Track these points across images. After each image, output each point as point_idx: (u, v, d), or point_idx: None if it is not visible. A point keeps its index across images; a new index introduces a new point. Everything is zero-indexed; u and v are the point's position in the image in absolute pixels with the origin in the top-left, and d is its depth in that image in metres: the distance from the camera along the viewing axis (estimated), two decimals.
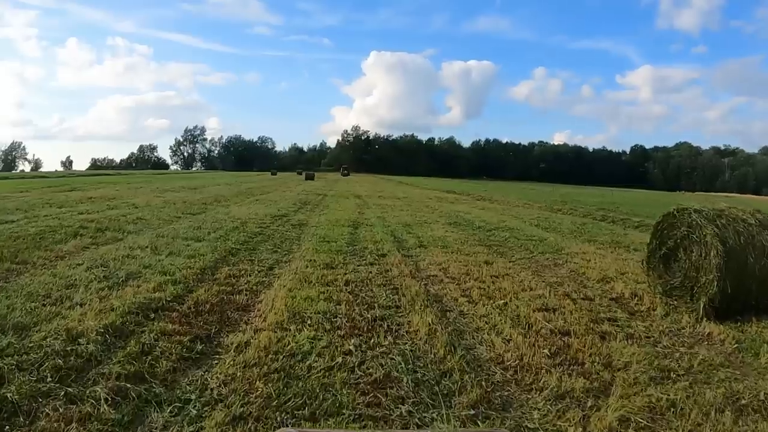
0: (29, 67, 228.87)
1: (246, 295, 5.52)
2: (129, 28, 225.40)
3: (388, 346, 4.06)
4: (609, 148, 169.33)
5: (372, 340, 4.16)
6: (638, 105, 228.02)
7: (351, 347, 3.96)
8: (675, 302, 5.66)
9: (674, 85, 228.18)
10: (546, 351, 4.10)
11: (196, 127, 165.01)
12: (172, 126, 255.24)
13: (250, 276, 6.40)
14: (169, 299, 5.07)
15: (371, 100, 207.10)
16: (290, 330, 4.27)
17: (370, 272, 6.78)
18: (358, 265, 7.23)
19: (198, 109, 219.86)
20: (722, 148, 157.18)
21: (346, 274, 6.57)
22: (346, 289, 5.78)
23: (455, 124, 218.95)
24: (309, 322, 4.52)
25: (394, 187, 42.48)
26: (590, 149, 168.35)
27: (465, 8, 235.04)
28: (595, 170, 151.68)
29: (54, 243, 7.91)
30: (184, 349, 3.84)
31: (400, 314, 4.97)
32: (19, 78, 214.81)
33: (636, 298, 6.03)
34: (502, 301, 5.54)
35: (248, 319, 4.68)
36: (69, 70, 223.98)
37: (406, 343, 4.16)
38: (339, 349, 3.93)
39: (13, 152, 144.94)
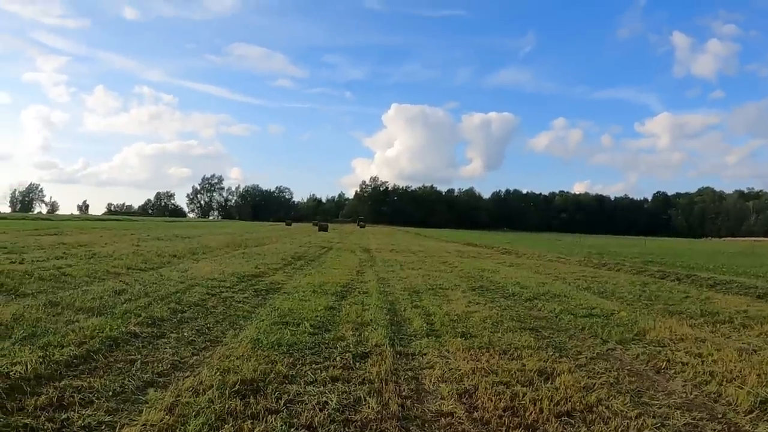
0: (57, 111, 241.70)
1: None
2: (156, 78, 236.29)
3: None
4: (631, 196, 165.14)
5: None
6: (657, 152, 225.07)
7: None
8: None
9: (693, 131, 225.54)
10: None
11: (213, 175, 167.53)
12: (194, 175, 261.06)
13: (86, 407, 3.25)
14: None
15: (392, 152, 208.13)
16: None
17: (326, 407, 3.50)
18: (309, 384, 3.95)
19: (220, 159, 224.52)
20: (746, 191, 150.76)
21: (269, 414, 3.31)
22: None
23: (476, 175, 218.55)
24: None
25: (410, 240, 39.32)
26: (612, 198, 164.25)
27: (489, 61, 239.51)
28: (617, 219, 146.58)
29: None
30: None
31: None
32: (45, 122, 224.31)
33: None
34: None
35: None
36: (95, 117, 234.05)
37: None
38: None
39: (30, 194, 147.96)
